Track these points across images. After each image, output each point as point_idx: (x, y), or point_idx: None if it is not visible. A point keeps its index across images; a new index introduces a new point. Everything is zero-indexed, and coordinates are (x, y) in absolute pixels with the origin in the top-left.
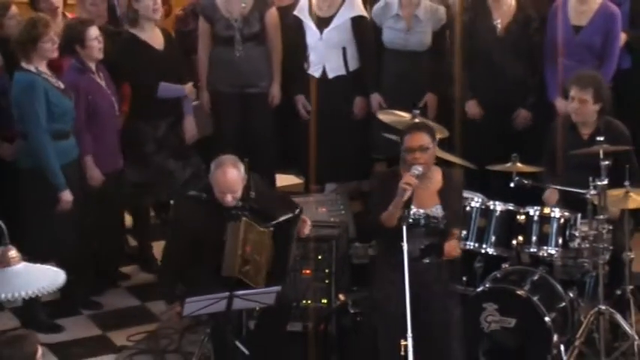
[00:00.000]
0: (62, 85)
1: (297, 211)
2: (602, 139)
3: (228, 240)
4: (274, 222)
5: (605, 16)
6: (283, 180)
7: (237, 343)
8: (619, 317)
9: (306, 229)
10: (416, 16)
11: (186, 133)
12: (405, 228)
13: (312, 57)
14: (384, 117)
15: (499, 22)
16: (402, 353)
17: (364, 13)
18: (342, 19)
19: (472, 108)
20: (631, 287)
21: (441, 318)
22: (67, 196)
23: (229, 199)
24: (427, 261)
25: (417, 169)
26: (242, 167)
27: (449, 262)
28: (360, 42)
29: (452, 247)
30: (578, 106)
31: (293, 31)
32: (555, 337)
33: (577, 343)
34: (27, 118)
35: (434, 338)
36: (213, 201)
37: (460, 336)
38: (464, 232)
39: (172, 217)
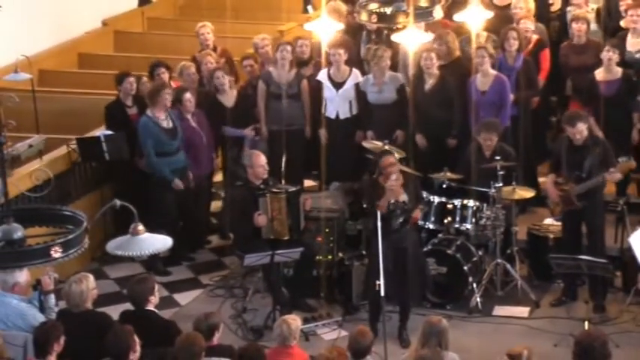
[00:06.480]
0: (171, 125)
1: (298, 187)
2: (499, 158)
3: (262, 213)
4: (285, 190)
5: (499, 84)
6: (305, 183)
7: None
8: (509, 266)
9: (309, 202)
10: (385, 82)
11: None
12: (379, 213)
13: (329, 105)
14: (366, 144)
15: (428, 84)
16: (377, 289)
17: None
18: (351, 83)
19: (419, 139)
20: (516, 248)
21: (413, 266)
22: (177, 183)
23: (264, 170)
24: (404, 229)
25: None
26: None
27: (413, 231)
28: (359, 98)
29: (416, 216)
30: (490, 143)
31: (315, 89)
32: (470, 279)
33: (483, 282)
34: (143, 147)
35: (409, 279)
36: (248, 185)
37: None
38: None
39: (228, 200)
